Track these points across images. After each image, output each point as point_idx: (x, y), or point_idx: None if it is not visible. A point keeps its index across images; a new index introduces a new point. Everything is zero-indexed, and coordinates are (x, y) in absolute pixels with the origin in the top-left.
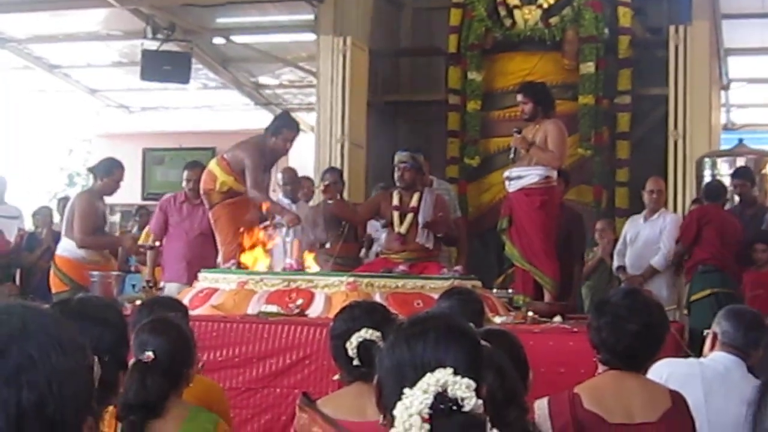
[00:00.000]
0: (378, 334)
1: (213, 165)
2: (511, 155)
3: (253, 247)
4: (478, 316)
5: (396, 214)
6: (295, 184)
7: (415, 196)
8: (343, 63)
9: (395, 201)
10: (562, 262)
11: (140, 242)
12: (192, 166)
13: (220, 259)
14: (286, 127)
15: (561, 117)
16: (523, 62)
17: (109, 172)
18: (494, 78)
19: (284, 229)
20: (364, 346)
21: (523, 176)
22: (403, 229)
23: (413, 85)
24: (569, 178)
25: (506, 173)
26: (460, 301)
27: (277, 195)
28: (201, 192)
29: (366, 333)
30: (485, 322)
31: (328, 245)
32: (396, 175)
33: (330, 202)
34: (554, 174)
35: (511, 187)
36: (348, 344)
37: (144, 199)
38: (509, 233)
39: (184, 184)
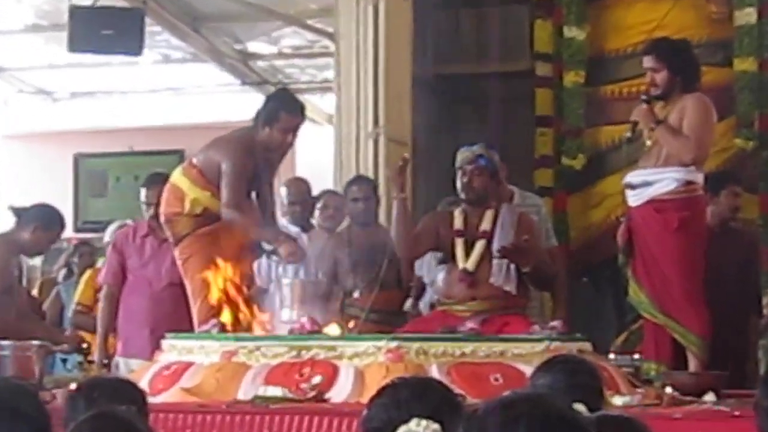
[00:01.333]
0: (436, 426)
1: (177, 176)
2: (628, 134)
3: (232, 296)
4: (595, 397)
5: (459, 243)
6: (306, 204)
7: (488, 216)
8: (374, 18)
9: (458, 223)
10: (719, 311)
11: (77, 300)
12: (154, 182)
13: (194, 318)
14: (283, 109)
15: (708, 92)
16: (649, 10)
17: (48, 224)
18: (604, 35)
19: (281, 268)
20: None
21: (651, 182)
22: (470, 265)
23: (481, 49)
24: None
25: (627, 178)
26: (566, 374)
27: (281, 220)
28: (162, 219)
29: (417, 426)
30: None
31: (356, 294)
32: (459, 183)
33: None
34: (699, 177)
35: (635, 198)
36: None
37: (77, 230)
38: (633, 269)
39: (143, 208)
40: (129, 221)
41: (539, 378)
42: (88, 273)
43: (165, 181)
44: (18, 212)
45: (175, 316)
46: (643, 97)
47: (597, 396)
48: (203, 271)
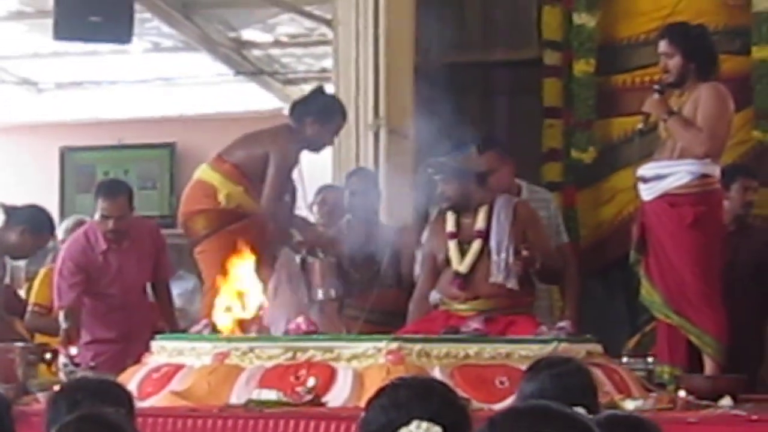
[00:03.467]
0: (437, 429)
1: (206, 172)
2: (640, 125)
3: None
4: (587, 398)
5: (452, 245)
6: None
7: (481, 214)
8: (375, 5)
9: (449, 225)
10: (734, 312)
11: (34, 300)
12: (112, 193)
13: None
14: (340, 112)
15: (724, 81)
16: None
17: (37, 227)
18: (616, 23)
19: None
20: None
21: (664, 175)
22: (463, 267)
23: (487, 37)
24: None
25: (640, 171)
26: (552, 378)
27: None
28: (182, 219)
29: (418, 429)
30: (608, 409)
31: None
32: (438, 192)
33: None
34: (715, 171)
35: (647, 192)
36: None
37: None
38: (646, 267)
39: (97, 218)
40: (85, 218)
41: (526, 385)
42: (43, 271)
43: (123, 192)
44: (8, 211)
45: (145, 328)
46: (656, 86)
47: (591, 396)
48: (216, 269)
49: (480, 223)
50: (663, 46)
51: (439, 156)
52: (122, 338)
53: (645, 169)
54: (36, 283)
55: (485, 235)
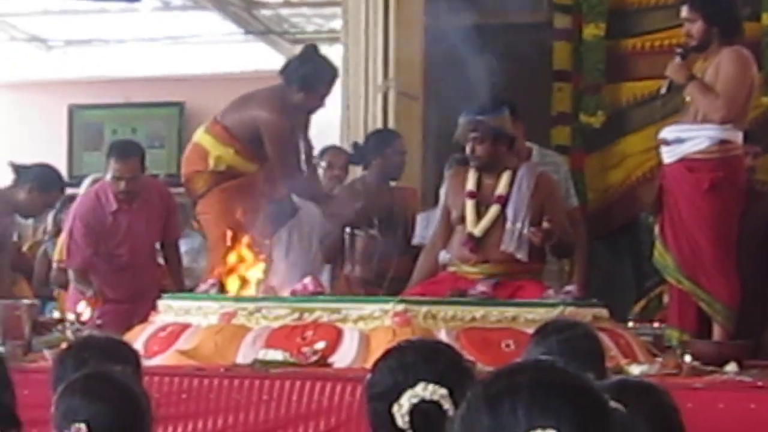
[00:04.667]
0: (443, 392)
1: (201, 135)
2: (663, 90)
3: (239, 260)
4: (595, 363)
5: (470, 205)
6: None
7: (504, 179)
8: None
9: (470, 185)
10: (750, 280)
11: (58, 257)
12: (125, 154)
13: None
14: (325, 76)
15: None
16: None
17: (45, 186)
18: None
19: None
20: (421, 411)
21: (684, 139)
22: (478, 231)
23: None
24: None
25: (662, 133)
26: (559, 342)
27: None
28: (183, 180)
29: (424, 390)
30: (615, 374)
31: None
32: (467, 148)
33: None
34: (737, 136)
35: (668, 155)
36: (396, 408)
37: (70, 185)
38: (661, 229)
39: (109, 179)
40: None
41: (533, 350)
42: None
43: (135, 154)
44: (17, 170)
45: (153, 288)
46: (678, 50)
47: (598, 360)
48: (219, 226)
49: (501, 188)
50: (685, 11)
51: (457, 116)
52: (130, 298)
53: (667, 132)
54: (59, 240)
55: (504, 201)
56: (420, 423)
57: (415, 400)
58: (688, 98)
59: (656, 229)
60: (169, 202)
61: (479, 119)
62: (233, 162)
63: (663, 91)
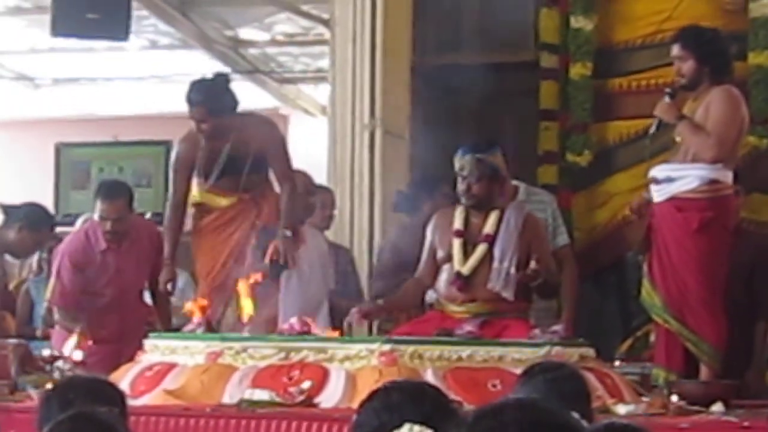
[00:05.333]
0: None
1: None
2: (652, 129)
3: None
4: (580, 403)
5: (457, 244)
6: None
7: (492, 218)
8: (372, 4)
9: (458, 223)
10: (735, 320)
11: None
12: (112, 195)
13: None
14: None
15: None
16: (660, 0)
17: (35, 225)
18: (613, 26)
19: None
20: None
21: (674, 178)
22: (466, 269)
23: (484, 39)
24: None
25: (652, 171)
26: (546, 383)
27: None
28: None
29: (410, 431)
30: (601, 414)
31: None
32: (460, 188)
33: None
34: (727, 176)
35: (658, 194)
36: None
37: (57, 223)
38: (649, 268)
39: (96, 217)
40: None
41: (520, 390)
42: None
43: (122, 194)
44: (6, 210)
45: (139, 329)
46: (667, 90)
47: (584, 400)
48: (202, 264)
49: (489, 227)
50: (676, 49)
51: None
52: (116, 339)
53: (657, 171)
54: (51, 281)
55: (491, 241)
56: None
57: None
58: (678, 138)
59: (644, 268)
60: (158, 242)
61: (479, 157)
62: (204, 198)
63: (652, 130)
